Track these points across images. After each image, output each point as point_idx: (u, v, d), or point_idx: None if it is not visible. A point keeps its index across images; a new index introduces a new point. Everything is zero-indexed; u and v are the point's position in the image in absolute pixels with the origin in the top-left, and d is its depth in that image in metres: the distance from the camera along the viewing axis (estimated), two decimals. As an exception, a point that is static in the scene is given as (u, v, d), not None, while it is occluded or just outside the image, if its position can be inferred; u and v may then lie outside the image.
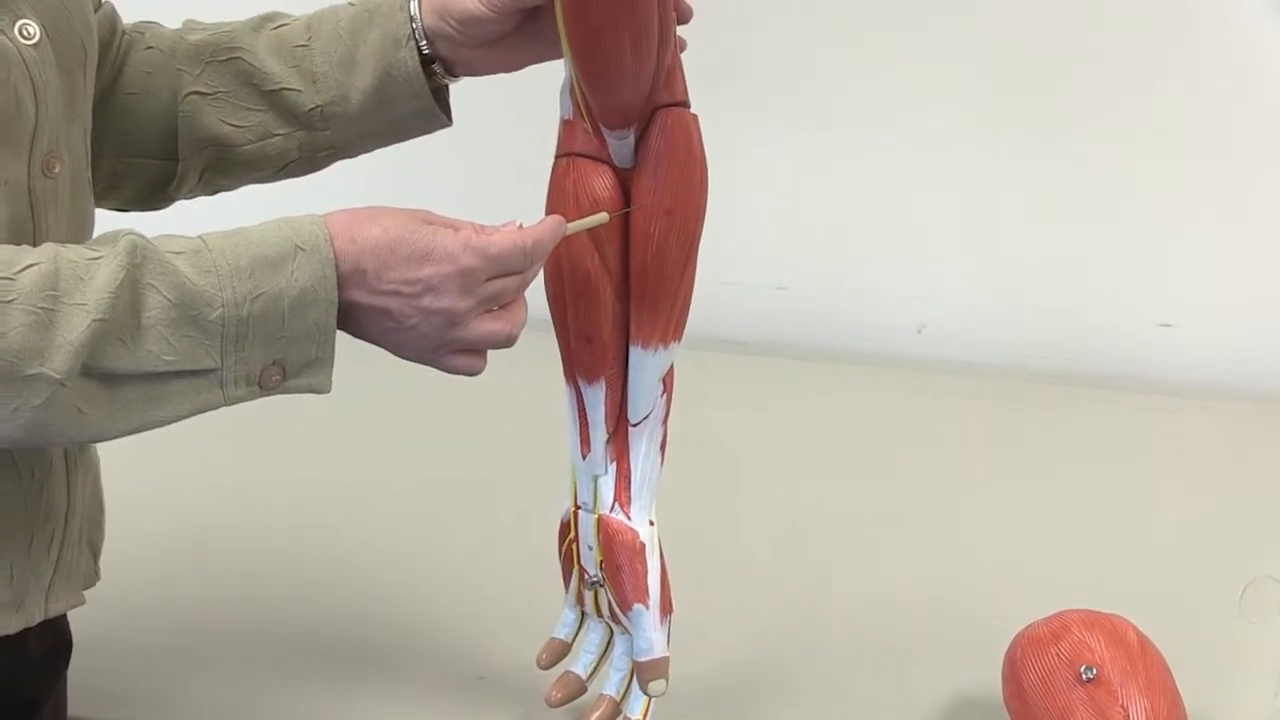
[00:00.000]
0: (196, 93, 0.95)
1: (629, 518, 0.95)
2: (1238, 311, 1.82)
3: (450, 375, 0.83)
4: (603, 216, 0.89)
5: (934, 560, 1.34)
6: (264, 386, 0.77)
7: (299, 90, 0.95)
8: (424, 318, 0.79)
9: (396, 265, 0.78)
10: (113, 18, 0.96)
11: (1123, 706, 0.92)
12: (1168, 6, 1.74)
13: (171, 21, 1.01)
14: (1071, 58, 1.79)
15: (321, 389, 0.79)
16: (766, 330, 1.94)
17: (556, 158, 0.92)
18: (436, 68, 0.94)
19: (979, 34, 1.81)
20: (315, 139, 0.96)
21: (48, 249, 0.72)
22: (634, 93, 0.86)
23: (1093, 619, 0.98)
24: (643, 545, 0.95)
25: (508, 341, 0.83)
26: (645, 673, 0.97)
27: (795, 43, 1.86)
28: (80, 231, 0.85)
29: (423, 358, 0.82)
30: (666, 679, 0.97)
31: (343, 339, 0.80)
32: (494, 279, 0.81)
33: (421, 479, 1.54)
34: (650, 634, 0.96)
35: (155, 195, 0.99)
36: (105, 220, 0.91)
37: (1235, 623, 1.22)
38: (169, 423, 0.76)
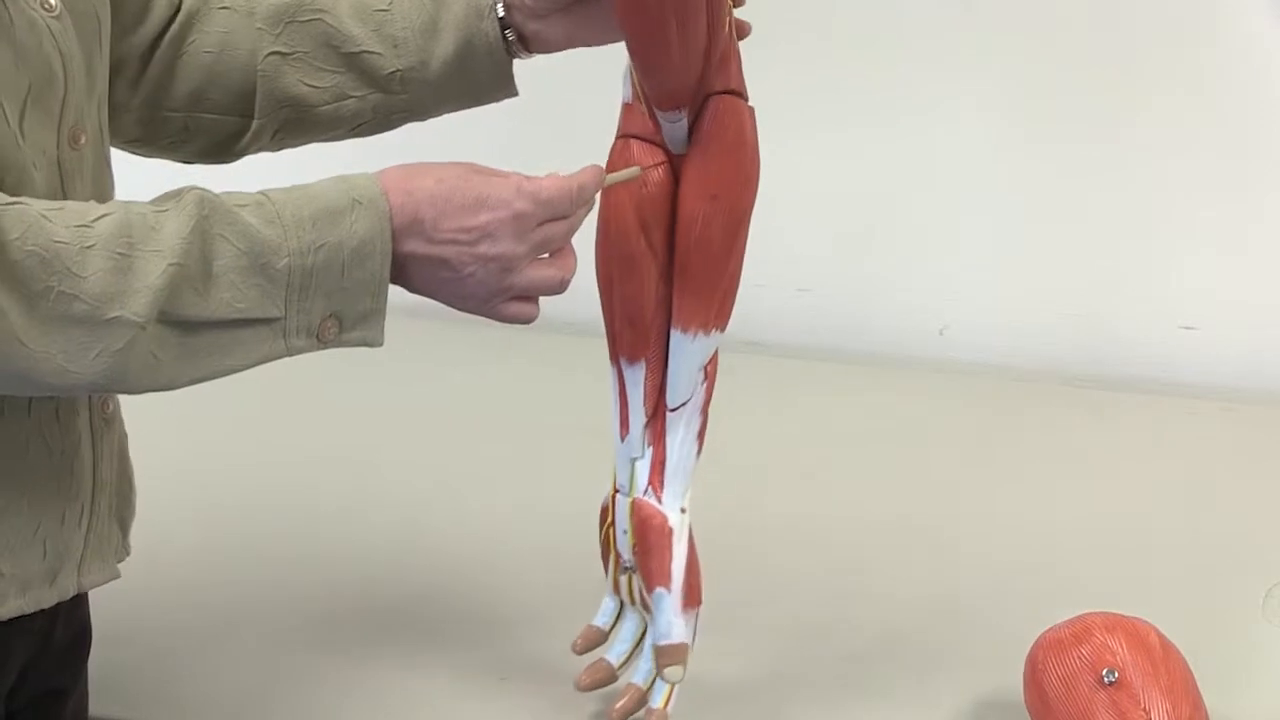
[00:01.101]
0: (277, 53, 0.97)
1: (660, 502, 0.96)
2: (1260, 314, 1.81)
3: (501, 325, 0.85)
4: (635, 170, 0.90)
5: (955, 562, 1.33)
6: (321, 339, 0.79)
7: (379, 54, 0.96)
8: (480, 265, 0.81)
9: (453, 214, 0.80)
10: None
11: (1145, 710, 0.91)
12: (1192, 12, 1.74)
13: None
14: (1096, 62, 1.79)
15: (374, 342, 0.81)
16: (788, 332, 1.94)
17: (616, 139, 0.94)
18: (509, 34, 0.96)
19: (1004, 38, 1.81)
20: (391, 102, 0.98)
21: (115, 203, 0.75)
22: (683, 75, 0.87)
23: (1114, 622, 0.98)
24: (671, 530, 0.96)
25: (560, 286, 0.85)
26: (662, 657, 0.97)
27: (818, 42, 1.86)
28: (103, 200, 0.84)
29: (479, 308, 0.84)
30: (684, 666, 0.98)
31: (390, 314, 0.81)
32: (544, 224, 0.82)
33: (448, 471, 1.54)
34: (670, 618, 0.96)
35: (224, 150, 1.01)
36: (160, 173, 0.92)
37: (1258, 626, 1.22)
38: (235, 371, 0.78)
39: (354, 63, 0.96)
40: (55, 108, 0.79)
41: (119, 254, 0.72)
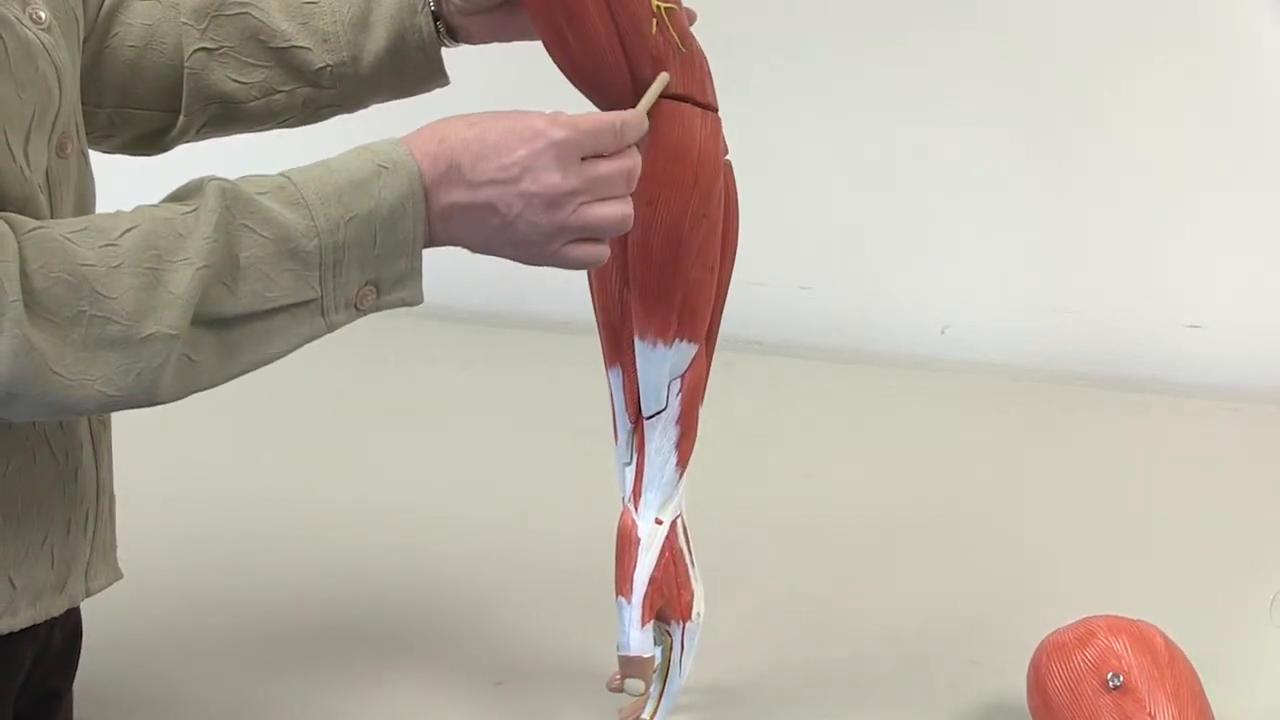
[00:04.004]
0: (203, 49, 0.95)
1: (636, 510, 0.95)
2: (1268, 312, 1.80)
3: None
4: (663, 78, 0.86)
5: (958, 564, 1.32)
6: (359, 308, 0.78)
7: (308, 49, 0.95)
8: (527, 203, 0.78)
9: (489, 154, 0.78)
10: None
11: (1150, 715, 0.90)
12: (1195, 9, 1.73)
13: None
14: (1100, 57, 1.78)
15: (414, 300, 0.79)
16: (789, 331, 1.93)
17: None
18: (439, 26, 0.95)
19: (1006, 34, 1.80)
20: (320, 96, 0.97)
21: (139, 212, 0.73)
22: (597, 78, 0.85)
23: (1119, 625, 0.97)
24: (638, 539, 0.95)
25: (623, 222, 0.81)
26: (623, 668, 0.96)
27: (819, 41, 1.86)
28: (82, 203, 0.85)
29: (539, 255, 0.81)
30: (646, 681, 0.96)
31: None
32: (593, 159, 0.79)
33: (442, 480, 1.53)
34: (629, 629, 0.95)
35: (151, 143, 0.99)
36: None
37: (1266, 629, 1.21)
38: (277, 358, 0.77)
39: (282, 58, 0.95)
40: (50, 121, 0.78)
41: (148, 269, 0.70)
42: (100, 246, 0.70)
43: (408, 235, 0.77)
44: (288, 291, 0.74)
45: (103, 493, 0.87)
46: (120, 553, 0.92)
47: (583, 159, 0.79)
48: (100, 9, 0.94)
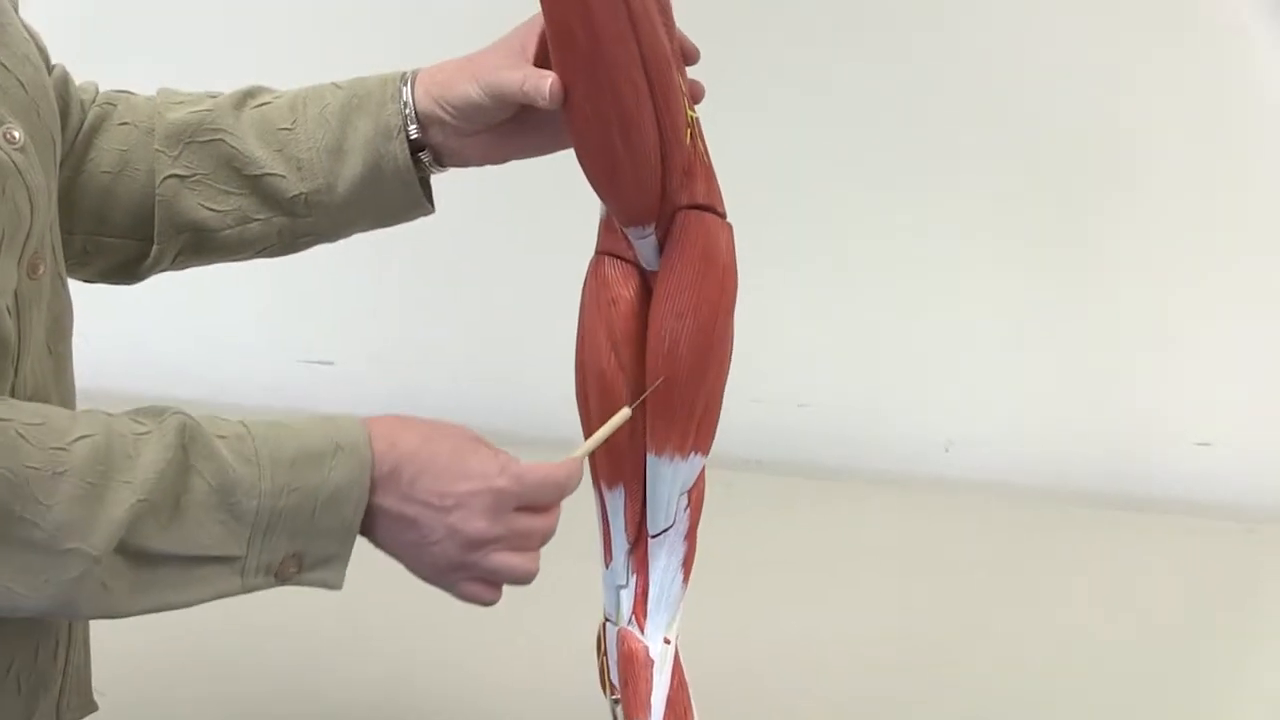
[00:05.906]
0: (175, 175, 0.93)
1: (643, 632, 0.93)
2: (1278, 429, 1.78)
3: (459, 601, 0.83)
4: (625, 413, 0.88)
5: (963, 687, 1.30)
6: (279, 577, 0.77)
7: (283, 176, 0.93)
8: (448, 535, 0.79)
9: (432, 476, 0.78)
10: (65, 79, 0.93)
11: None
12: (1198, 128, 1.75)
13: (141, 83, 0.98)
14: (1100, 176, 1.79)
15: (333, 585, 0.79)
16: (787, 449, 1.91)
17: (594, 255, 0.92)
18: (424, 155, 0.93)
19: (1010, 148, 1.81)
20: (296, 225, 0.94)
21: (97, 419, 0.73)
22: (636, 189, 0.84)
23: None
24: (651, 661, 0.92)
25: (525, 578, 0.82)
26: None
27: (819, 156, 1.86)
28: (57, 324, 0.83)
29: (438, 577, 0.82)
30: None
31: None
32: (523, 511, 0.81)
33: (421, 610, 1.48)
34: None
35: (126, 272, 0.97)
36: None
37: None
38: (185, 606, 0.76)
39: (256, 185, 0.93)
40: (20, 242, 0.77)
41: (89, 483, 0.70)
42: (50, 448, 0.70)
43: (346, 520, 0.77)
44: (214, 543, 0.74)
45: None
46: (95, 683, 0.88)
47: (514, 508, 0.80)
48: (79, 133, 0.93)
